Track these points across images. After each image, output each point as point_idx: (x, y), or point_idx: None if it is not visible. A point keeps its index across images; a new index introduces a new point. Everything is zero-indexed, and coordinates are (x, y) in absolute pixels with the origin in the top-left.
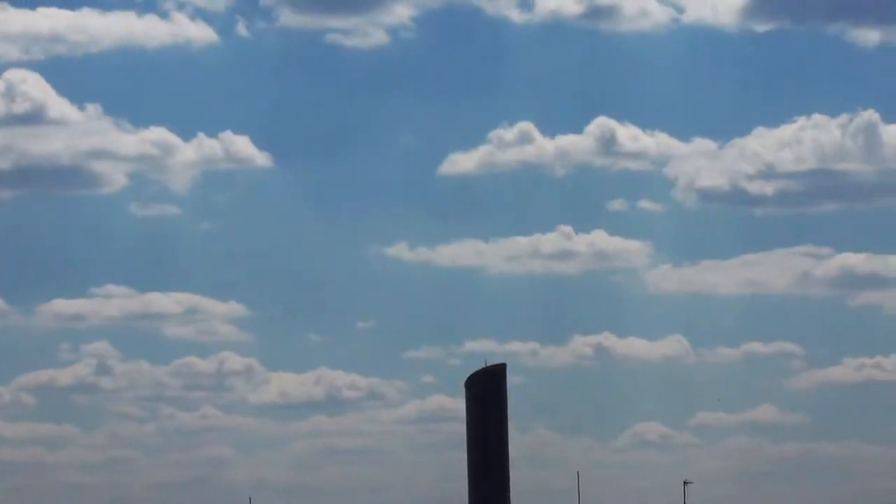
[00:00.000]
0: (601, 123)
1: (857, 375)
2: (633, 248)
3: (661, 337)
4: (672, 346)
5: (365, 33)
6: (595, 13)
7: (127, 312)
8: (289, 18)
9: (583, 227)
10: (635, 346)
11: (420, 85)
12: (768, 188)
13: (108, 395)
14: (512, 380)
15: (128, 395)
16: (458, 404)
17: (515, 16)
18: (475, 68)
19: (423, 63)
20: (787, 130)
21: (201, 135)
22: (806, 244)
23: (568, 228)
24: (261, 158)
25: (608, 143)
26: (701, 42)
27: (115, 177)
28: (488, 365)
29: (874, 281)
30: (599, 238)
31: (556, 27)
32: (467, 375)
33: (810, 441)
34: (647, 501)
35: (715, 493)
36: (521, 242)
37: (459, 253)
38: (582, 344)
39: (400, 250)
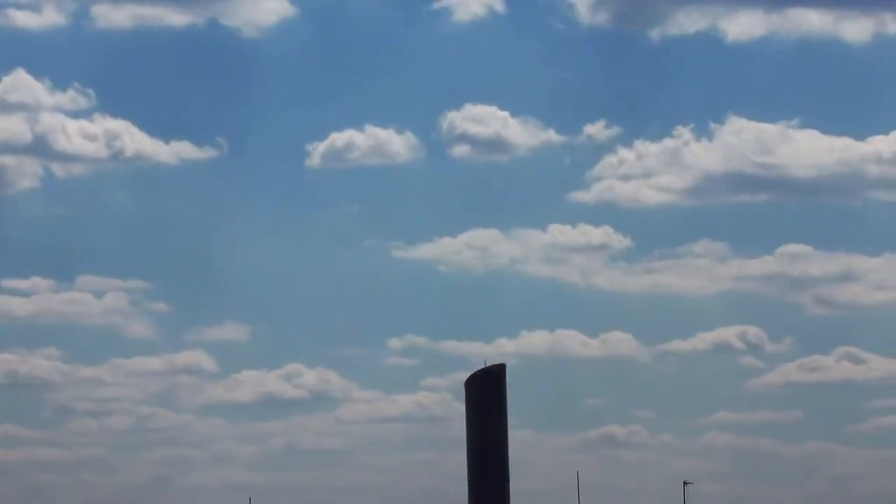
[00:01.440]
0: (482, 118)
1: (778, 378)
2: (515, 247)
3: (598, 335)
4: (614, 343)
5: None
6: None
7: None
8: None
9: (479, 224)
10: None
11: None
12: (661, 185)
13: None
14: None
15: (67, 395)
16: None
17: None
18: (346, 64)
19: (296, 55)
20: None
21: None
22: (702, 240)
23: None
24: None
25: (489, 139)
26: (591, 39)
27: None
28: (487, 365)
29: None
30: (485, 236)
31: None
32: (412, 373)
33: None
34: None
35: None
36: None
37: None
38: (512, 342)
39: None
